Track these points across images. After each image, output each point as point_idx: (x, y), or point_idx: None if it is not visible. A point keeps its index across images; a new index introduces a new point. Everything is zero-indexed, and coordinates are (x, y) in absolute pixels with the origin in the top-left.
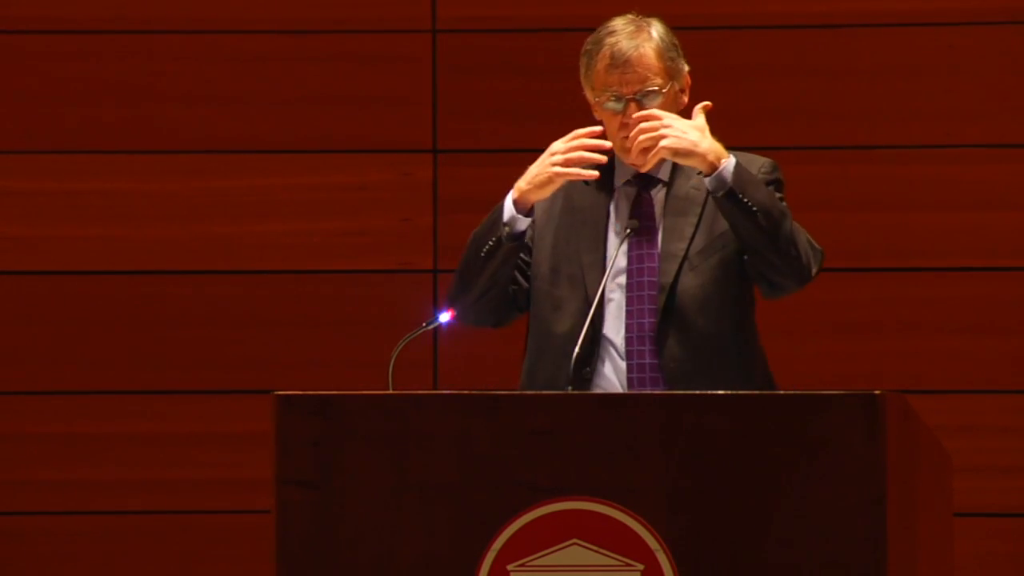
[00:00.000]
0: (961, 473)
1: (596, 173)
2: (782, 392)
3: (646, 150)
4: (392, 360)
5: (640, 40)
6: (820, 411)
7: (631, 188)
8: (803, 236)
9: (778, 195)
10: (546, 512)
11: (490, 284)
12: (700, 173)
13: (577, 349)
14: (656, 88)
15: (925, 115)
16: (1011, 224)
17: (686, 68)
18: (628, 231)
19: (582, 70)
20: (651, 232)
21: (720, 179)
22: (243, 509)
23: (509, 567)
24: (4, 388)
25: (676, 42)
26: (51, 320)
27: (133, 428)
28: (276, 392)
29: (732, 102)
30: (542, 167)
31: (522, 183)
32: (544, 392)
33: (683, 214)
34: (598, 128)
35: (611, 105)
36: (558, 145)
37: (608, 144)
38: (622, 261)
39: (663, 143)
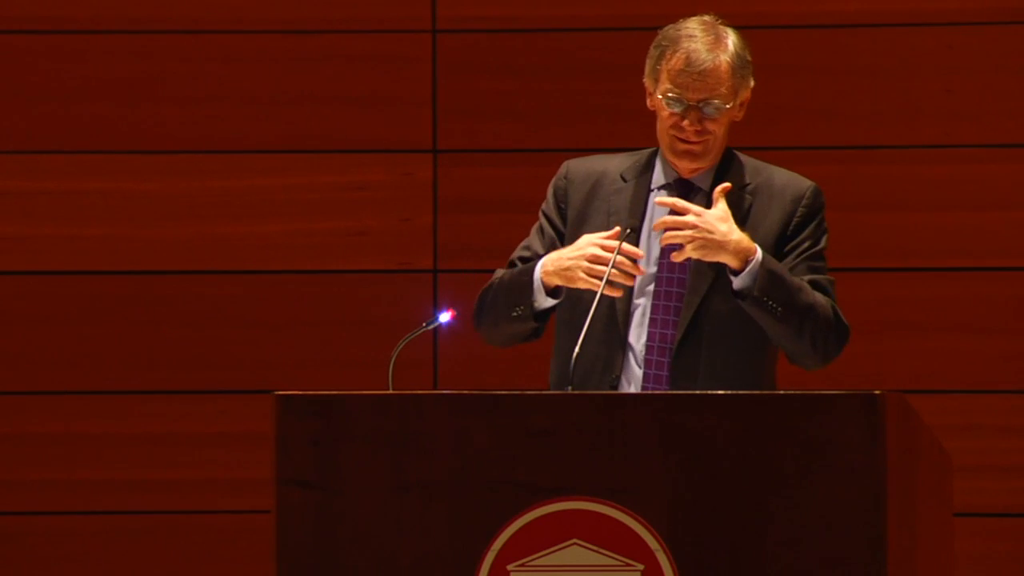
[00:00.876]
0: (961, 473)
1: (620, 292)
2: (782, 392)
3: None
4: (392, 360)
5: (718, 51)
6: (820, 411)
7: (670, 193)
8: (828, 321)
9: (824, 234)
10: (546, 512)
11: (518, 336)
12: (729, 270)
13: (577, 349)
14: (718, 103)
15: (925, 115)
16: (1011, 224)
17: (751, 85)
18: (629, 231)
19: (650, 62)
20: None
21: (747, 281)
22: (243, 509)
23: (509, 567)
24: (4, 388)
25: (748, 58)
26: (51, 320)
27: (133, 428)
28: (276, 392)
29: None
30: (574, 262)
31: (549, 266)
32: (544, 392)
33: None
34: (637, 251)
35: (673, 105)
36: (594, 248)
37: (641, 270)
38: (652, 268)
39: (691, 249)
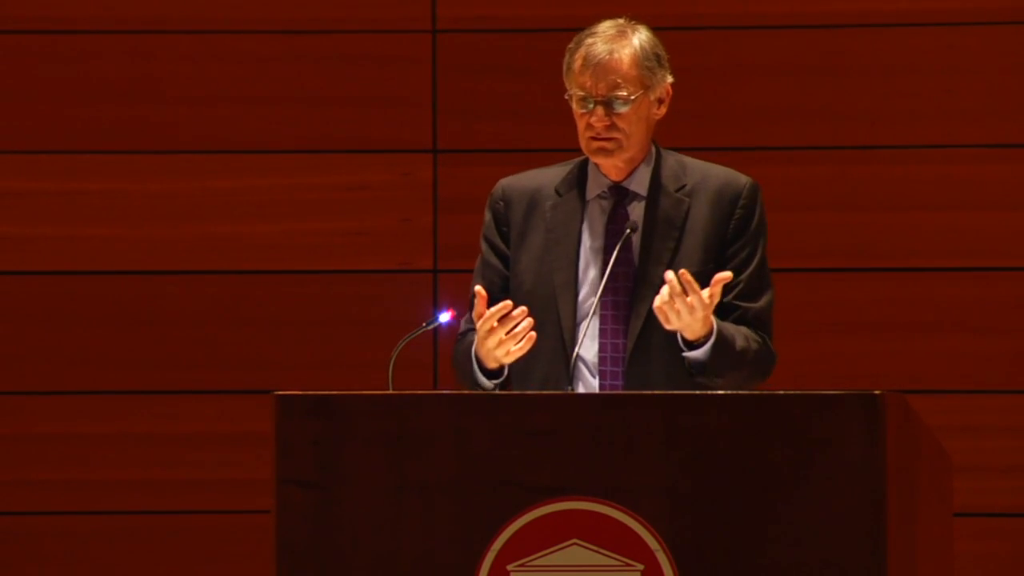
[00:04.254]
0: (961, 473)
1: (525, 345)
2: (782, 392)
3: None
4: (392, 360)
5: (617, 45)
6: (820, 411)
7: (606, 201)
8: (760, 366)
9: (761, 239)
10: (546, 512)
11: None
12: (680, 337)
13: (577, 348)
14: (625, 95)
15: (925, 115)
16: (1011, 224)
17: (668, 80)
18: (628, 231)
19: (564, 67)
20: (628, 249)
21: (700, 357)
22: (243, 509)
23: (509, 567)
24: (4, 388)
25: (661, 53)
26: (51, 320)
27: (133, 428)
28: (276, 392)
29: (732, 102)
30: (486, 352)
31: (481, 352)
32: (544, 392)
33: (661, 235)
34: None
35: (581, 105)
36: (482, 335)
37: (520, 312)
38: (596, 278)
39: (686, 333)
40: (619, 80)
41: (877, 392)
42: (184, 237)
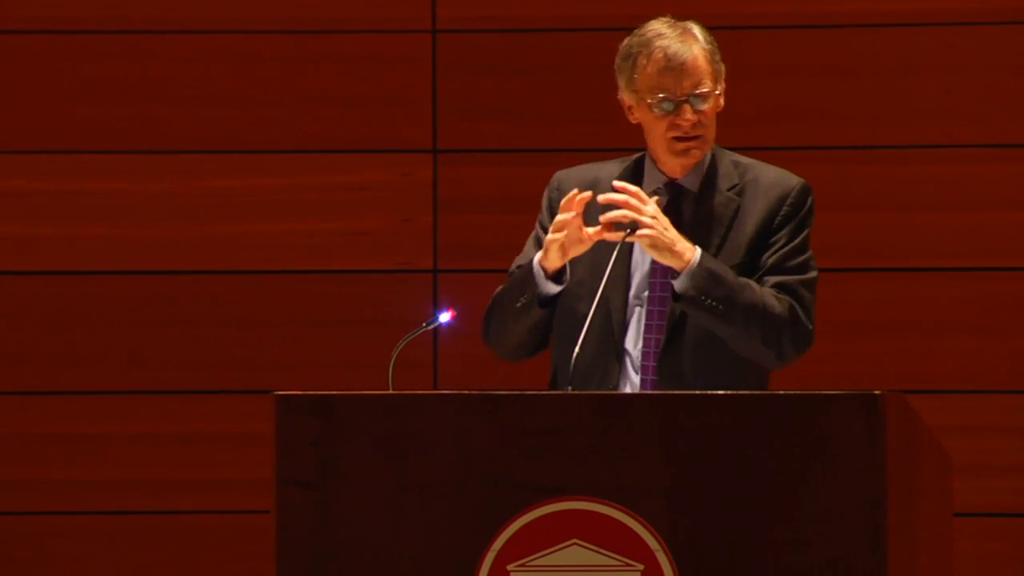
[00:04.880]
0: (961, 473)
1: (620, 235)
2: (782, 392)
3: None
4: (392, 360)
5: (690, 43)
6: (820, 411)
7: (661, 197)
8: (781, 320)
9: (804, 231)
10: (546, 512)
11: (526, 342)
12: (673, 276)
13: (577, 348)
14: (708, 90)
15: (925, 115)
16: (1011, 224)
17: (724, 70)
18: (628, 231)
19: (625, 73)
20: None
21: (685, 281)
22: (243, 509)
23: (509, 567)
24: (4, 388)
25: (716, 46)
26: (51, 320)
27: (133, 428)
28: (276, 392)
29: (732, 102)
30: (551, 239)
31: (542, 254)
32: (544, 392)
33: (707, 231)
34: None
35: (664, 107)
36: (559, 223)
37: (588, 194)
38: (647, 275)
39: (643, 232)
40: (702, 77)
41: (877, 392)
42: (184, 237)
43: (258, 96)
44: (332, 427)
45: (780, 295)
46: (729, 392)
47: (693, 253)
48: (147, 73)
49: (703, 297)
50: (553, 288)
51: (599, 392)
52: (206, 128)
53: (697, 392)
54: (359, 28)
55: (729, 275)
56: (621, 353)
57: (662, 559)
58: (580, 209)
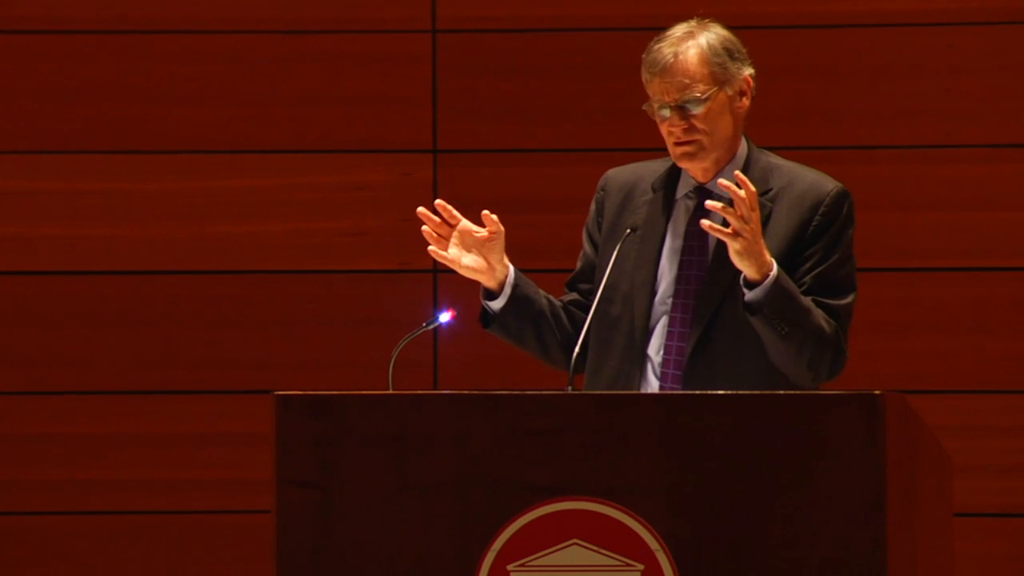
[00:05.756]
0: (961, 473)
1: (443, 255)
2: (782, 392)
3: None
4: (392, 360)
5: (682, 47)
6: (820, 411)
7: (691, 201)
8: (828, 347)
9: (842, 241)
10: (546, 512)
11: (535, 340)
12: (743, 278)
13: (577, 349)
14: (698, 95)
15: (925, 115)
16: (1011, 224)
17: (746, 72)
18: (628, 231)
19: (643, 78)
20: (703, 251)
21: (759, 295)
22: (243, 509)
23: (509, 567)
24: (4, 388)
25: (733, 47)
26: (51, 320)
27: (133, 428)
28: (276, 392)
29: None
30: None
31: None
32: (544, 392)
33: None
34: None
35: (661, 113)
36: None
37: (439, 213)
38: (673, 279)
39: (737, 242)
40: (688, 81)
41: (877, 392)
42: (184, 237)
43: (258, 96)
44: (332, 427)
45: (828, 317)
46: (729, 392)
47: (772, 268)
48: (147, 73)
49: (774, 315)
50: (494, 304)
51: (599, 392)
52: (206, 128)
53: (697, 392)
54: (359, 28)
55: (798, 295)
56: (643, 359)
57: (662, 559)
58: (455, 220)
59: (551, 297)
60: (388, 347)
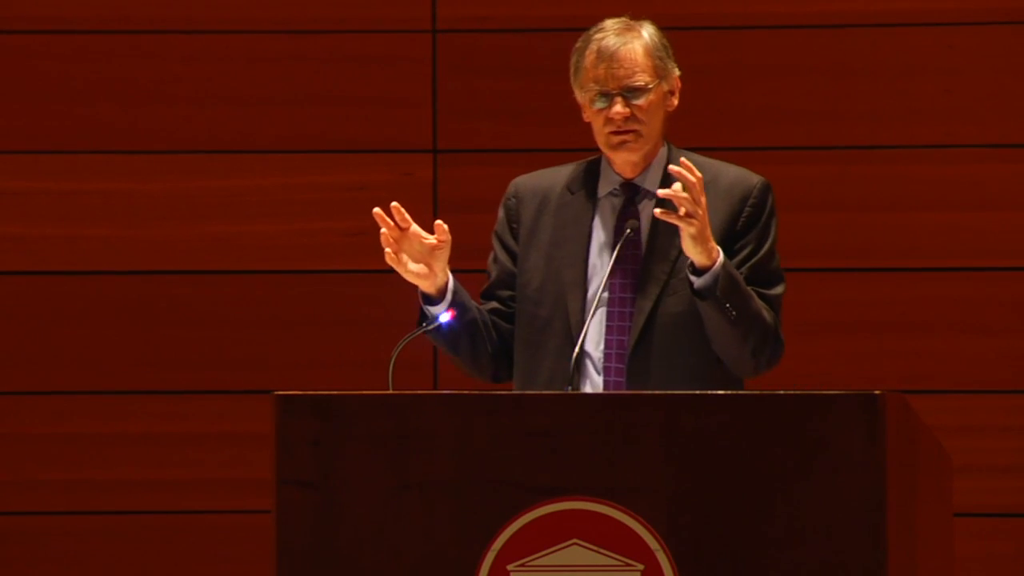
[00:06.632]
0: (961, 473)
1: (398, 263)
2: (782, 392)
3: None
4: (392, 360)
5: (628, 37)
6: (820, 411)
7: (617, 198)
8: (769, 333)
9: (771, 233)
10: (546, 512)
11: (472, 352)
12: (690, 266)
13: (576, 349)
14: (642, 84)
15: (925, 115)
16: (1011, 224)
17: (676, 72)
18: (628, 231)
19: (572, 70)
20: (636, 246)
21: (709, 281)
22: (243, 509)
23: (509, 567)
24: (4, 388)
25: (667, 44)
26: (51, 320)
27: (133, 428)
28: (276, 392)
29: (732, 102)
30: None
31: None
32: (544, 392)
33: (669, 233)
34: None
35: (598, 101)
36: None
37: (397, 214)
38: (605, 276)
39: (689, 226)
40: (635, 70)
41: (877, 392)
42: (184, 237)
43: (258, 96)
44: (332, 427)
45: (767, 308)
46: (729, 392)
47: (719, 253)
48: (147, 73)
49: (724, 299)
50: (437, 310)
51: (599, 392)
52: (206, 128)
53: (697, 392)
54: (359, 28)
55: (742, 281)
56: (582, 356)
57: (662, 559)
58: (408, 224)
59: (480, 307)
60: (388, 347)
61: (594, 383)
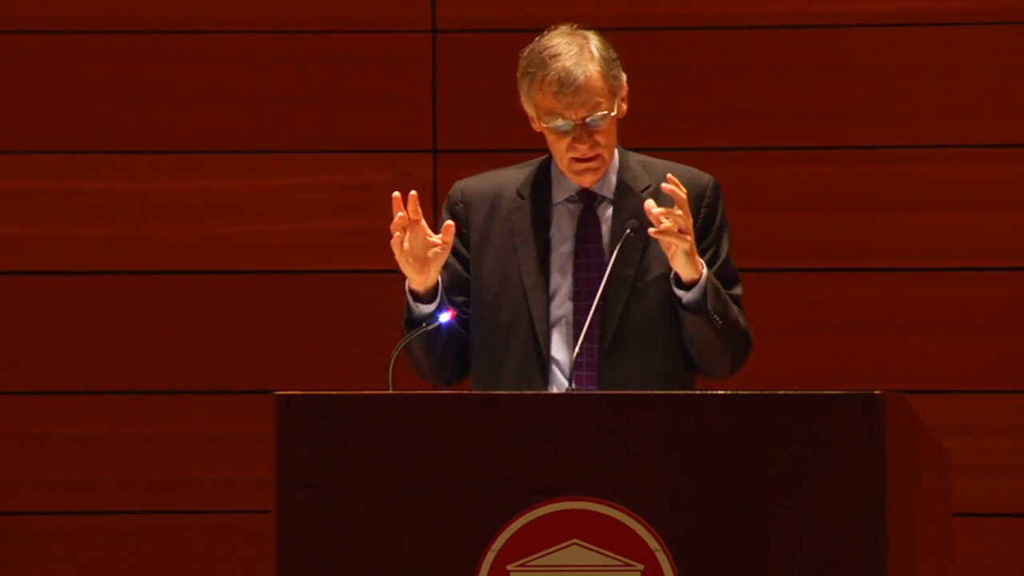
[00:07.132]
0: (961, 473)
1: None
2: (782, 392)
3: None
4: (392, 360)
5: (583, 62)
6: (820, 411)
7: (574, 205)
8: (745, 337)
9: (726, 232)
10: (546, 512)
11: (442, 354)
12: (674, 279)
13: (577, 349)
14: (604, 112)
15: (925, 115)
16: (1011, 224)
17: (624, 77)
18: (628, 231)
19: (524, 88)
20: (599, 253)
21: (697, 295)
22: (243, 509)
23: (509, 567)
24: (4, 388)
25: (614, 54)
26: (51, 320)
27: (133, 428)
28: (276, 392)
29: (732, 102)
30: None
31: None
32: (544, 392)
33: (631, 237)
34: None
35: (561, 130)
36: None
37: (399, 196)
38: (568, 282)
39: (679, 243)
40: (597, 99)
41: (877, 392)
42: (184, 237)
43: (258, 96)
44: (332, 427)
45: (739, 310)
46: (730, 392)
47: (703, 266)
48: (147, 73)
49: (711, 310)
50: (428, 309)
51: (600, 392)
52: (206, 128)
53: (698, 392)
54: (359, 28)
55: (723, 289)
56: (546, 361)
57: (662, 559)
58: (418, 216)
59: None
60: (388, 347)
61: (561, 388)
